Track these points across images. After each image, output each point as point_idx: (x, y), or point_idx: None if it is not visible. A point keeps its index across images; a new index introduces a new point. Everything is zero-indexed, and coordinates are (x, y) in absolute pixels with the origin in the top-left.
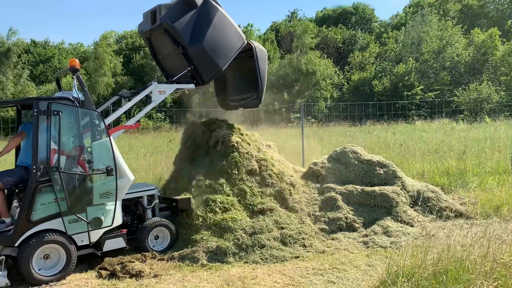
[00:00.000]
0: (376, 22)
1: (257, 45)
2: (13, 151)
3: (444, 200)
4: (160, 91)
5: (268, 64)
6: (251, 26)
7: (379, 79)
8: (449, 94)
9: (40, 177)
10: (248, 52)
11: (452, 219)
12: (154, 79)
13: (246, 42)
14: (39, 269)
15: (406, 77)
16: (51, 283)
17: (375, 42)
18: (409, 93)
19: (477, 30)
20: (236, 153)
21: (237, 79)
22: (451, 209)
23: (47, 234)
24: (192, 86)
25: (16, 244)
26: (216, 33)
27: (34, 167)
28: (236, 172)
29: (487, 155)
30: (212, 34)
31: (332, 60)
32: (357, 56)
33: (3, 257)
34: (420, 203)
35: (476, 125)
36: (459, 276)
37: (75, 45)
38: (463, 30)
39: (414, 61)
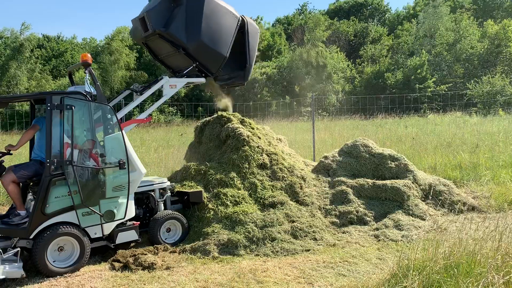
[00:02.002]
0: (390, 13)
1: (249, 21)
2: (27, 145)
3: (456, 194)
4: (171, 85)
5: (278, 58)
6: (261, 19)
7: (391, 72)
8: (462, 87)
9: (54, 171)
10: (239, 28)
11: (464, 213)
12: (165, 73)
13: (241, 18)
14: (53, 261)
15: (419, 70)
16: (65, 275)
17: (388, 35)
18: (421, 85)
19: (490, 21)
20: (247, 147)
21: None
22: (463, 203)
23: (61, 227)
24: (202, 80)
25: (31, 237)
26: (210, 22)
27: (48, 160)
28: (247, 166)
29: (501, 149)
30: (206, 24)
31: (344, 53)
32: (370, 49)
33: (19, 249)
34: (431, 197)
35: (489, 118)
36: (470, 269)
37: (88, 40)
38: (477, 22)
39: (426, 53)
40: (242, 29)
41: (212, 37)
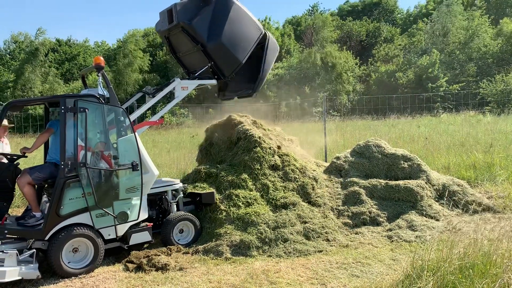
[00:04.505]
0: (399, 14)
1: (272, 37)
2: (42, 148)
3: (471, 194)
4: (183, 87)
5: (287, 59)
6: (270, 20)
7: (403, 72)
8: (475, 86)
9: (68, 173)
10: (259, 43)
11: (479, 213)
12: (177, 75)
13: (263, 32)
14: (68, 262)
15: (430, 69)
16: (80, 276)
17: (400, 34)
18: (433, 85)
19: (506, 19)
20: (258, 148)
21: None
22: (478, 203)
23: (75, 228)
24: (214, 81)
25: (46, 238)
26: (233, 27)
27: (62, 163)
28: (259, 167)
29: None
30: (229, 28)
31: (355, 53)
32: (383, 49)
33: (34, 250)
34: (445, 197)
35: (503, 117)
36: (486, 270)
37: (100, 44)
38: (489, 19)
39: (438, 52)
40: (262, 43)
41: (232, 41)
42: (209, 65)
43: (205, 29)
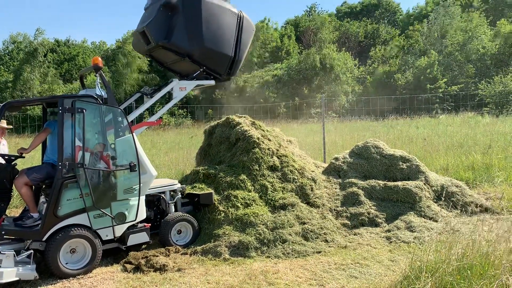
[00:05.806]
0: (401, 15)
1: (246, 17)
2: (39, 148)
3: (469, 195)
4: (181, 88)
5: (287, 59)
6: (268, 21)
7: (402, 73)
8: (474, 87)
9: (65, 173)
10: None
11: (477, 214)
12: (175, 76)
13: (239, 14)
14: (66, 263)
15: (428, 70)
16: (78, 276)
17: (399, 35)
18: (432, 86)
19: (503, 21)
20: (257, 149)
21: None
22: (476, 204)
23: (73, 229)
24: (212, 82)
25: (44, 239)
26: (210, 25)
27: (59, 163)
28: (257, 168)
29: None
30: (207, 28)
31: (353, 54)
32: (379, 50)
33: (32, 251)
34: (444, 198)
35: (502, 118)
36: (484, 271)
37: (98, 44)
38: (488, 21)
39: (436, 54)
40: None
41: (215, 39)
42: (201, 70)
43: (184, 39)
